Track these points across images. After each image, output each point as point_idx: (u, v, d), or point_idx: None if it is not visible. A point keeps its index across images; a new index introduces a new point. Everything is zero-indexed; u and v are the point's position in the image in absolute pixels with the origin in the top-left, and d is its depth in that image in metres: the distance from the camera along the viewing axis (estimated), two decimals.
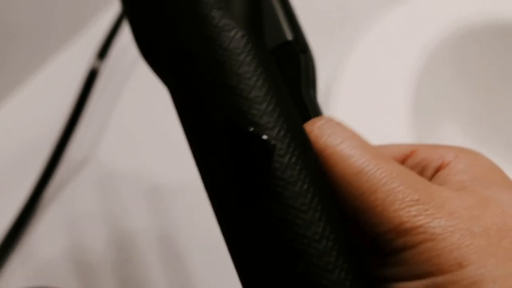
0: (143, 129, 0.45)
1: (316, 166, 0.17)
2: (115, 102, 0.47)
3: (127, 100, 0.47)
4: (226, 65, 0.16)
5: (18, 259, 0.38)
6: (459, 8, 0.43)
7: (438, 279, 0.15)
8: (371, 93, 0.41)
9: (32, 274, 0.37)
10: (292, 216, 0.15)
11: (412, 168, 0.21)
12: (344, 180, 0.17)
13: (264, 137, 0.15)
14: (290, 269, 0.15)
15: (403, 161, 0.22)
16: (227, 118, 0.16)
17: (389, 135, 0.38)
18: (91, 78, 0.45)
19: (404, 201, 0.16)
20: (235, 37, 0.16)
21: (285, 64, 0.20)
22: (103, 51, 0.47)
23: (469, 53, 0.44)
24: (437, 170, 0.20)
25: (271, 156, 0.15)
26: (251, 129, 0.15)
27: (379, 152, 0.18)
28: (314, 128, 0.18)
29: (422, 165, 0.21)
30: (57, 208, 0.40)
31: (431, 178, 0.20)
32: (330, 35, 0.46)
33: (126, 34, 0.49)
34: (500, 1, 0.43)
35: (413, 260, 0.16)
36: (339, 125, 0.18)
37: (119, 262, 0.37)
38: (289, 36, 0.21)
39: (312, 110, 0.20)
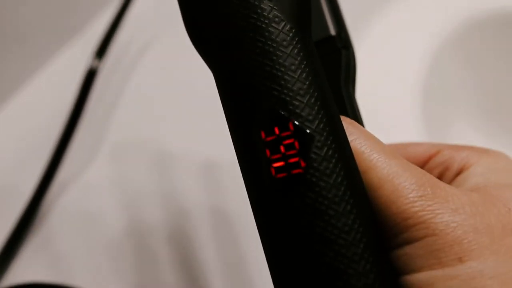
0: (142, 127, 0.44)
1: (351, 160, 0.17)
2: (114, 101, 0.46)
3: (127, 99, 0.46)
4: (273, 56, 0.16)
5: (32, 247, 0.37)
6: (465, 0, 0.44)
7: (438, 272, 0.16)
8: (379, 90, 0.41)
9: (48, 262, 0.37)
10: (324, 207, 0.15)
11: (435, 167, 0.22)
12: None
13: (304, 128, 0.16)
14: (319, 257, 0.15)
15: (427, 159, 0.23)
16: (270, 107, 0.16)
17: (399, 132, 0.38)
18: (90, 77, 0.44)
19: (408, 197, 0.17)
20: (283, 30, 0.16)
21: (326, 58, 0.20)
22: (101, 51, 0.46)
23: (477, 45, 0.44)
24: (460, 171, 0.21)
25: (310, 147, 0.16)
26: (292, 119, 0.16)
27: (389, 149, 0.18)
28: None
29: (445, 165, 0.22)
30: (64, 199, 0.40)
31: (452, 179, 0.21)
32: None
33: (124, 33, 0.48)
34: None
35: (415, 254, 0.16)
36: (352, 124, 0.19)
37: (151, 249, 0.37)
38: (332, 31, 0.21)
39: (349, 105, 0.20)
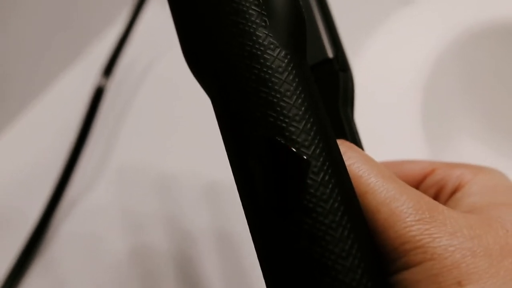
0: (151, 144, 0.45)
1: (348, 185, 0.17)
2: (122, 119, 0.47)
3: (135, 116, 0.47)
4: (268, 83, 0.16)
5: (35, 276, 0.37)
6: (467, 10, 0.44)
7: None
8: (379, 105, 0.41)
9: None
10: (322, 232, 0.15)
11: (431, 186, 0.22)
12: None
13: (300, 154, 0.16)
14: (316, 284, 0.15)
15: (422, 178, 0.23)
16: (266, 134, 0.16)
17: (400, 146, 0.38)
18: (98, 95, 0.45)
19: (406, 221, 0.17)
20: (278, 56, 0.16)
21: (324, 81, 0.20)
22: (108, 69, 0.47)
23: (477, 56, 0.44)
24: (455, 190, 0.21)
25: (306, 173, 0.16)
26: (289, 145, 0.16)
27: (387, 172, 0.18)
28: None
29: (440, 184, 0.22)
30: (69, 223, 0.40)
31: (448, 198, 0.21)
32: None
33: (131, 51, 0.49)
34: (508, 3, 0.43)
35: (414, 279, 0.16)
36: (350, 148, 0.19)
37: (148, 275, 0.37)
38: (330, 54, 0.21)
39: (348, 128, 0.20)
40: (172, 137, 0.45)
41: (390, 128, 0.39)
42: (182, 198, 0.40)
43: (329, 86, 0.21)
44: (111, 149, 0.45)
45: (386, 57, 0.43)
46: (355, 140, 0.21)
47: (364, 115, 0.40)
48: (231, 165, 0.17)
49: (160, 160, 0.43)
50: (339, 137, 0.20)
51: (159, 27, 0.50)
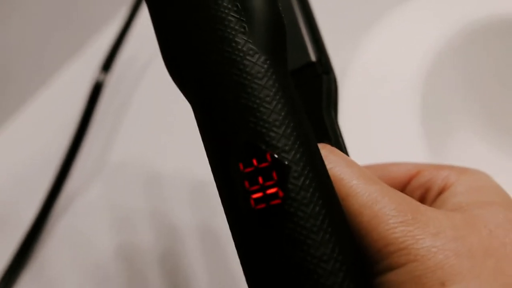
0: (149, 140, 0.45)
1: (330, 188, 0.17)
2: (121, 114, 0.47)
3: (133, 112, 0.47)
4: (248, 89, 0.16)
5: (30, 274, 0.38)
6: (465, 6, 0.43)
7: None
8: (378, 101, 0.41)
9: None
10: (303, 236, 0.16)
11: (417, 188, 0.22)
12: None
13: (280, 159, 0.16)
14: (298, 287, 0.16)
15: (408, 180, 0.23)
16: (246, 139, 0.16)
17: (399, 146, 0.38)
18: (96, 91, 0.45)
19: (388, 223, 0.17)
20: (257, 62, 0.16)
21: (307, 84, 0.20)
22: (107, 64, 0.47)
23: (475, 53, 0.44)
24: (441, 191, 0.21)
25: (287, 177, 0.16)
26: (268, 150, 0.16)
27: (369, 174, 0.18)
28: None
29: (426, 186, 0.22)
30: (66, 221, 0.40)
31: (434, 200, 0.21)
32: (334, 38, 0.47)
33: (130, 46, 0.49)
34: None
35: (398, 280, 0.16)
36: (332, 151, 0.19)
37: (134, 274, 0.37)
38: (313, 57, 0.21)
39: (331, 130, 0.20)
40: (170, 134, 0.45)
41: (389, 126, 0.39)
42: (178, 196, 0.40)
43: (313, 89, 0.21)
44: (110, 145, 0.45)
45: (384, 54, 0.43)
46: (339, 143, 0.21)
47: (362, 113, 0.40)
48: (212, 171, 0.17)
49: (157, 157, 0.43)
50: (323, 141, 0.20)
51: None
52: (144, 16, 0.50)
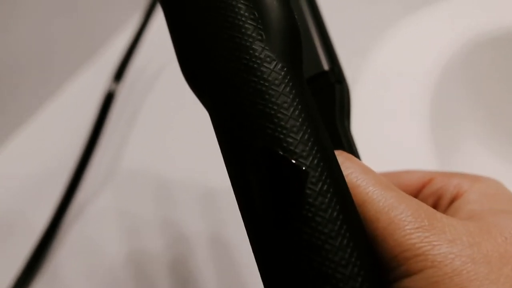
0: (160, 149, 0.45)
1: (346, 194, 0.17)
2: (132, 123, 0.47)
3: (145, 121, 0.47)
4: (265, 95, 0.16)
5: (41, 281, 0.38)
6: (473, 17, 0.44)
7: None
8: (386, 111, 0.41)
9: None
10: (321, 241, 0.16)
11: (429, 196, 0.22)
12: None
13: (298, 164, 0.16)
14: None
15: (421, 188, 0.23)
16: (264, 145, 0.16)
17: (408, 156, 0.38)
18: (108, 100, 0.46)
19: (405, 229, 0.17)
20: (275, 69, 0.17)
21: (320, 93, 0.20)
22: (119, 74, 0.47)
23: (484, 64, 0.44)
24: (453, 199, 0.21)
25: (304, 183, 0.16)
26: (287, 156, 0.16)
27: (385, 181, 0.18)
28: None
29: (438, 193, 0.22)
30: (78, 229, 0.40)
31: (447, 207, 0.21)
32: (343, 49, 0.47)
33: (141, 56, 0.49)
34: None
35: (415, 286, 0.16)
36: (348, 158, 0.19)
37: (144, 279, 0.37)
38: (326, 66, 0.21)
39: (345, 139, 0.21)
40: (181, 142, 0.45)
41: (398, 134, 0.39)
42: (188, 204, 0.41)
43: (325, 99, 0.21)
44: (121, 153, 0.45)
45: (393, 65, 0.43)
46: (352, 151, 0.21)
47: (371, 122, 0.40)
48: (230, 177, 0.18)
49: (167, 165, 0.43)
50: (337, 149, 0.20)
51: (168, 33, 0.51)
52: (155, 25, 0.50)
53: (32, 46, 0.46)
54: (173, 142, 0.45)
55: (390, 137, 0.39)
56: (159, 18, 0.52)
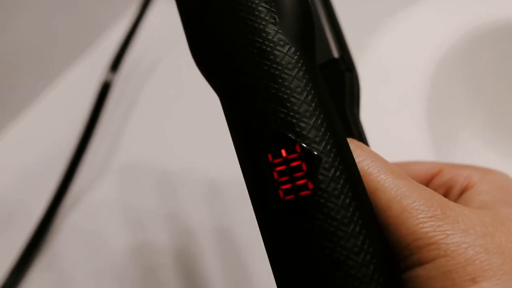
0: (157, 140, 0.45)
1: (358, 181, 0.17)
2: (129, 114, 0.47)
3: (141, 111, 0.47)
4: (278, 79, 0.16)
5: (38, 269, 0.38)
6: (471, 11, 0.44)
7: None
8: (384, 103, 0.41)
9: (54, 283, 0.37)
10: (333, 228, 0.15)
11: (439, 187, 0.22)
12: None
13: (311, 149, 0.16)
14: (329, 279, 0.15)
15: (430, 178, 0.23)
16: (277, 130, 0.16)
17: (406, 148, 0.38)
18: (104, 90, 0.45)
19: (418, 218, 0.17)
20: (288, 53, 0.16)
21: (330, 81, 0.20)
22: (115, 64, 0.47)
23: (481, 56, 0.44)
24: (463, 190, 0.21)
25: (317, 168, 0.16)
26: (299, 141, 0.16)
27: (397, 169, 0.18)
28: None
29: (448, 184, 0.22)
30: (74, 218, 0.40)
31: (457, 198, 0.21)
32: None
33: (138, 46, 0.49)
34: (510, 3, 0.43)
35: (427, 275, 0.16)
36: (359, 146, 0.19)
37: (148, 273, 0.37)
38: (335, 54, 0.21)
39: (354, 127, 0.20)
40: (177, 134, 0.45)
41: (395, 128, 0.39)
42: (185, 195, 0.40)
43: (335, 86, 0.21)
44: (117, 144, 0.45)
45: (391, 58, 0.43)
46: (362, 139, 0.21)
47: (369, 116, 0.40)
48: (240, 162, 0.17)
49: (164, 157, 0.43)
50: (347, 137, 0.20)
51: (166, 23, 0.50)
52: (152, 16, 0.50)
53: (28, 37, 0.45)
54: (170, 133, 0.45)
55: (389, 130, 0.39)
56: (155, 9, 0.51)
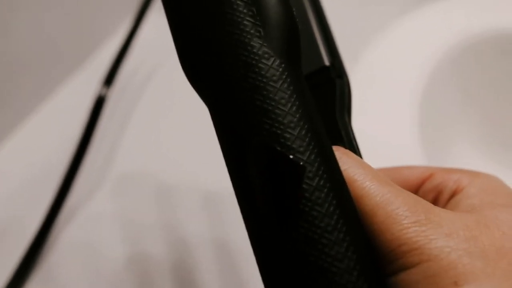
0: (151, 152, 0.45)
1: (343, 189, 0.17)
2: (123, 127, 0.47)
3: (135, 126, 0.47)
4: (263, 91, 0.17)
5: (36, 280, 0.38)
6: (465, 19, 0.44)
7: None
8: (377, 109, 0.41)
9: None
10: (317, 235, 0.16)
11: (429, 191, 0.22)
12: None
13: (295, 160, 0.16)
14: (313, 286, 0.16)
15: (421, 183, 0.23)
16: (262, 140, 0.16)
17: (398, 155, 0.38)
18: (99, 105, 0.45)
19: (402, 224, 0.17)
20: (272, 65, 0.17)
21: (321, 88, 0.21)
22: (109, 78, 0.47)
23: (475, 65, 0.44)
24: (453, 194, 0.21)
25: (301, 178, 0.16)
26: (284, 152, 0.16)
27: (382, 176, 0.19)
28: None
29: (438, 188, 0.22)
30: (70, 232, 0.40)
31: (447, 202, 0.21)
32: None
33: (132, 60, 0.49)
34: (504, 12, 0.44)
35: (411, 280, 0.16)
36: (346, 153, 0.19)
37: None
38: (326, 61, 0.21)
39: (345, 134, 0.21)
40: (172, 146, 0.45)
41: (388, 134, 0.40)
42: (181, 207, 0.40)
43: (326, 93, 0.21)
44: (112, 158, 0.45)
45: (384, 65, 0.43)
46: (353, 146, 0.21)
47: (362, 121, 0.40)
48: (229, 172, 0.18)
49: (160, 169, 0.43)
50: (337, 144, 0.20)
51: (160, 37, 0.51)
52: (146, 30, 0.50)
53: (23, 51, 0.46)
54: (165, 145, 0.45)
55: (381, 137, 0.39)
56: (150, 22, 0.52)
